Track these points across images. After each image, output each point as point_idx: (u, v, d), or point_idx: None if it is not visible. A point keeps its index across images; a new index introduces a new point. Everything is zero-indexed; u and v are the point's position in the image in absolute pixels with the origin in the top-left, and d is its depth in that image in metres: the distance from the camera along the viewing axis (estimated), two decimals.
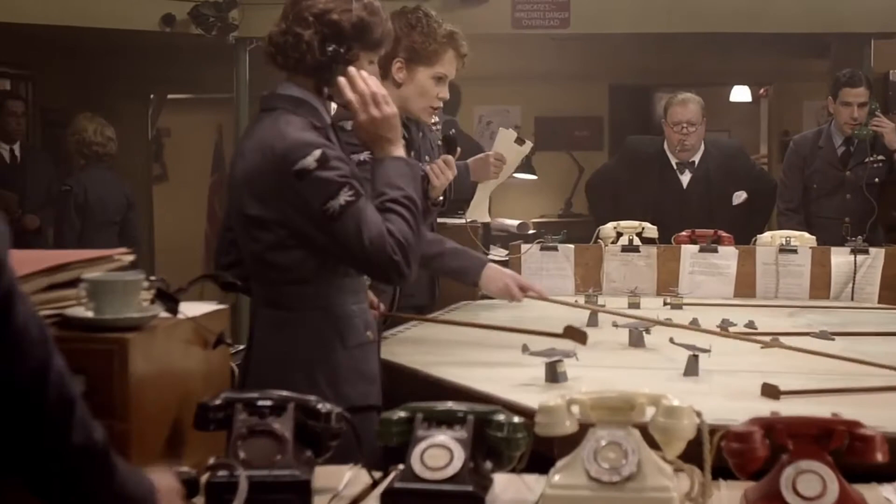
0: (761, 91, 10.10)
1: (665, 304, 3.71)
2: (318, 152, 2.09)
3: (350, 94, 2.18)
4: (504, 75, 8.52)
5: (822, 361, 2.60)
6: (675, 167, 5.02)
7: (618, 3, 6.90)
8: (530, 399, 2.01)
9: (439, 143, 3.97)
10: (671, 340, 2.45)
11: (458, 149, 3.09)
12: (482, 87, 8.28)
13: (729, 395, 2.17)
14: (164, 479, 1.37)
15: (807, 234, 4.33)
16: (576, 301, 3.48)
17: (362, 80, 2.17)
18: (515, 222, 7.57)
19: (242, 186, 2.18)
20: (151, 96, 9.17)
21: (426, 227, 3.08)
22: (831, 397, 2.11)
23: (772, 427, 1.46)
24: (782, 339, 2.81)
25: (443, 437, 1.51)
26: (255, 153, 2.15)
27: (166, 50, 7.46)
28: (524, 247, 4.30)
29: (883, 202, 4.95)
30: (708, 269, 4.22)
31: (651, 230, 4.37)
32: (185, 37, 6.78)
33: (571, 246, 4.29)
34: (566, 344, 2.37)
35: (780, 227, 4.83)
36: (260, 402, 1.61)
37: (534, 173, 8.40)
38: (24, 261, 1.41)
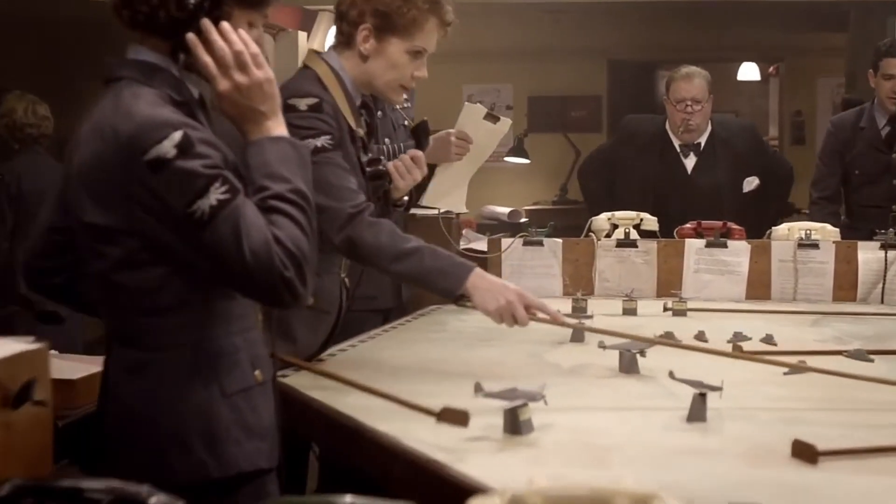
0: (771, 69, 9.76)
1: (666, 309, 3.20)
2: (177, 135, 1.57)
3: (204, 56, 1.66)
4: (494, 51, 8.21)
5: (862, 389, 2.10)
6: (678, 150, 4.51)
7: None
8: (478, 465, 1.50)
9: (404, 123, 3.45)
10: (671, 375, 1.93)
11: (431, 140, 2.58)
12: (470, 63, 8.14)
13: (749, 456, 1.65)
14: None
15: (829, 227, 3.81)
16: (580, 322, 2.76)
17: (222, 35, 1.65)
18: (506, 210, 7.13)
19: (79, 185, 1.66)
20: None
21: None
22: (887, 458, 1.60)
23: None
24: (809, 360, 2.31)
25: None
26: (93, 140, 1.64)
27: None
28: (505, 242, 3.78)
29: None
30: (716, 266, 3.71)
31: (650, 222, 3.87)
32: None
33: (559, 241, 3.79)
34: (533, 380, 1.86)
35: (812, 218, 4.31)
36: (62, 494, 1.10)
37: (526, 157, 8.07)
38: None
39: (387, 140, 3.26)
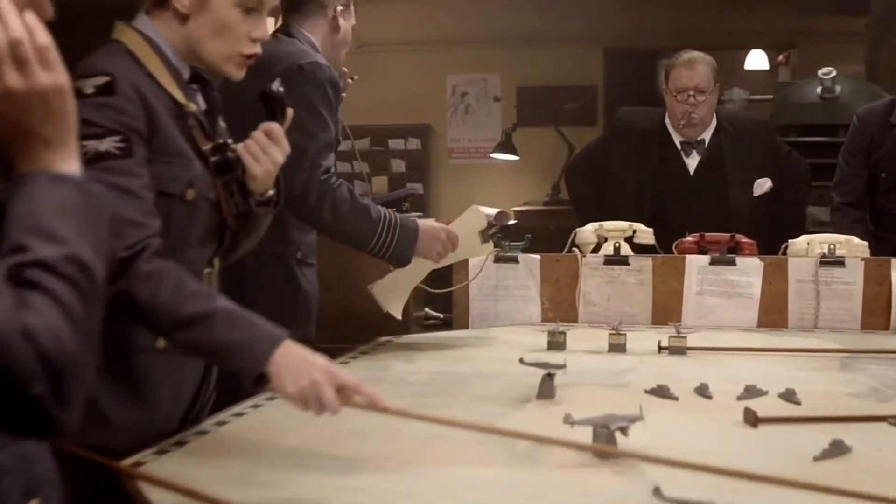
0: (780, 57, 9.40)
1: (661, 349, 2.65)
2: None
3: None
4: (481, 37, 7.99)
5: None
6: (678, 147, 3.97)
7: None
8: None
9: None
10: (657, 494, 1.37)
11: (290, 112, 2.01)
12: (455, 51, 7.87)
13: None
14: None
15: (856, 240, 3.28)
16: (418, 413, 2.25)
17: None
18: (493, 211, 6.60)
19: None
20: None
21: (252, 238, 2.02)
22: None
23: None
24: (846, 429, 1.78)
25: None
26: None
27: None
28: (473, 266, 3.21)
29: None
30: (722, 288, 3.18)
31: (645, 234, 3.35)
32: None
33: (537, 257, 3.26)
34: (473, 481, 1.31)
35: (835, 227, 3.78)
36: None
37: (515, 153, 7.62)
38: None
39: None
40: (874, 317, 3.12)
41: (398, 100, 8.03)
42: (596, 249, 3.33)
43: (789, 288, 3.15)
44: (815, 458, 1.66)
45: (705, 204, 3.86)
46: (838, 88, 5.00)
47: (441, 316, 3.57)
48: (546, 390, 2.09)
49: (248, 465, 1.63)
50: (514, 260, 3.25)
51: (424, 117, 8.58)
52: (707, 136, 3.95)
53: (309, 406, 1.66)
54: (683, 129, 3.92)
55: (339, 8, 2.86)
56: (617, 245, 3.27)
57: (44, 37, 1.12)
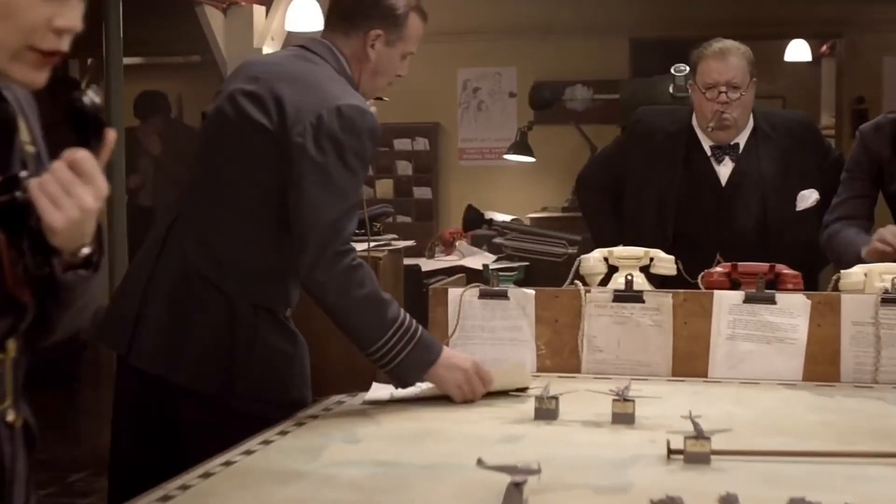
0: (824, 47, 9.22)
1: (671, 453, 1.97)
2: None
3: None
4: (495, 28, 7.96)
5: None
6: (708, 153, 3.46)
7: None
8: None
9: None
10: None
11: (110, 135, 1.41)
12: (467, 43, 7.89)
13: None
14: None
15: None
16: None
17: None
18: (508, 218, 6.17)
19: None
20: (89, 61, 8.49)
21: (76, 315, 1.45)
22: None
23: None
24: None
25: None
26: None
27: None
28: (453, 294, 2.70)
29: None
30: (759, 331, 2.64)
31: (665, 263, 2.86)
32: None
33: (531, 292, 2.73)
34: None
35: (836, 245, 3.21)
36: None
37: (531, 154, 7.24)
38: None
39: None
40: None
41: (404, 96, 7.65)
42: (605, 281, 2.81)
43: (842, 332, 2.60)
44: None
45: (738, 222, 3.37)
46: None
47: None
48: None
49: None
50: (504, 295, 2.72)
51: (433, 115, 8.41)
52: (742, 139, 3.44)
53: None
54: (714, 132, 3.42)
55: (376, 33, 2.46)
56: (629, 277, 2.74)
57: None
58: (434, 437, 2.06)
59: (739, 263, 2.77)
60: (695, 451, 1.83)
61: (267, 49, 6.26)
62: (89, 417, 5.75)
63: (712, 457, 1.84)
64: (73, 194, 1.30)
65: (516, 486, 1.56)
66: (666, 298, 2.68)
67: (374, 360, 2.31)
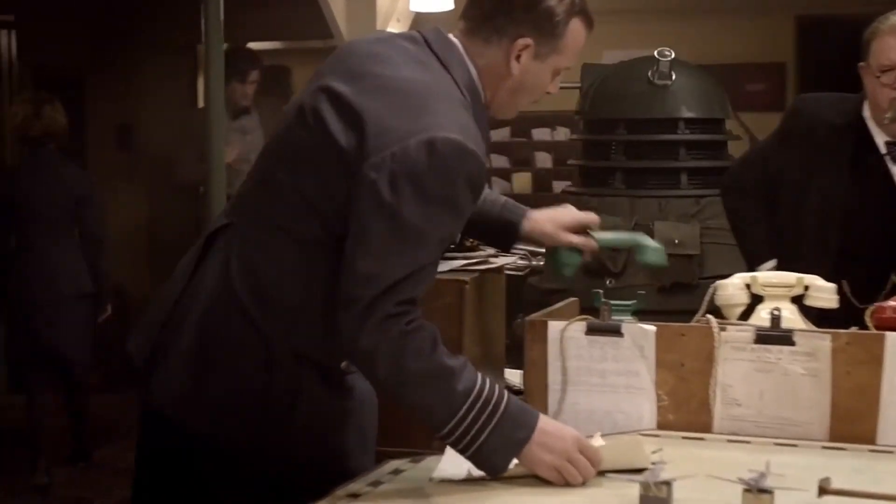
0: None
1: None
2: None
3: None
4: (645, 7, 7.86)
5: None
6: (882, 150, 3.09)
7: None
8: None
9: None
10: None
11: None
12: (614, 24, 7.41)
13: None
14: None
15: None
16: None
17: None
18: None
19: None
20: (199, 47, 8.31)
21: None
22: None
23: None
24: None
25: None
26: None
27: None
28: (552, 336, 2.23)
29: None
30: None
31: (824, 293, 2.41)
32: None
33: (651, 328, 2.26)
34: None
35: None
36: None
37: None
38: None
39: None
40: None
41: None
42: (746, 315, 2.33)
43: None
44: None
45: None
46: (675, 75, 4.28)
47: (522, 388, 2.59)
48: None
49: None
50: (617, 331, 2.25)
51: (575, 102, 7.92)
52: None
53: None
54: (890, 125, 3.06)
55: (525, 42, 1.98)
56: (776, 312, 2.23)
57: None
58: None
59: None
60: None
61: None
62: None
63: None
64: None
65: None
66: (823, 341, 2.17)
67: (450, 445, 1.89)
